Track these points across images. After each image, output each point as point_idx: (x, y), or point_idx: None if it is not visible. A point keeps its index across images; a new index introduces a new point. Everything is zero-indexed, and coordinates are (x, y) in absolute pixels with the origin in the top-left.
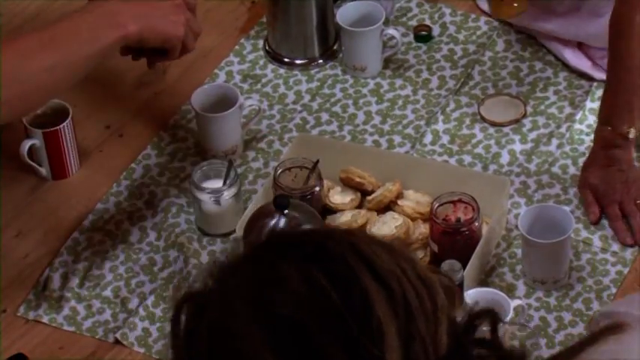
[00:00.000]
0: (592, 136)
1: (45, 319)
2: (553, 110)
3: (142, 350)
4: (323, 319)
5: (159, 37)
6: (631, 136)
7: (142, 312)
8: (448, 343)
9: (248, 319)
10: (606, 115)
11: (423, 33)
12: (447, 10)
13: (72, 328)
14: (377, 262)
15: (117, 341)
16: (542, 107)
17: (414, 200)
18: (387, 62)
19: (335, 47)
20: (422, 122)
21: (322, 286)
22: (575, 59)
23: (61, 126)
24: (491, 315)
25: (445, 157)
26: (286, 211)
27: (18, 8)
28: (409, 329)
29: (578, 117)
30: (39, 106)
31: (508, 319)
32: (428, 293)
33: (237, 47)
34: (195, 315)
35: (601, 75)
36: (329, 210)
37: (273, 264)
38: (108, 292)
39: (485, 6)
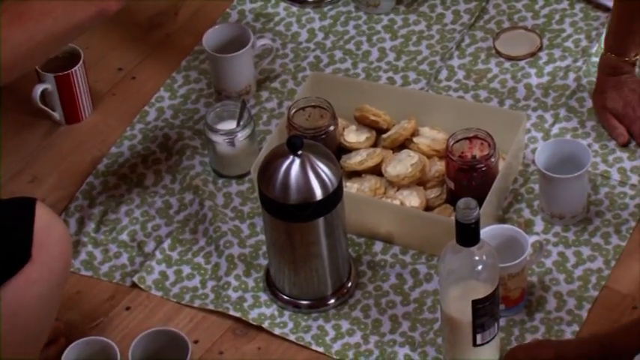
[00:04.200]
0: None
1: None
2: (569, 43)
3: (159, 294)
4: None
5: None
6: (639, 63)
7: (158, 255)
8: None
9: None
10: (613, 44)
11: None
12: None
13: (89, 273)
14: None
15: (134, 285)
16: (559, 40)
17: (430, 137)
18: None
19: None
20: (437, 58)
21: None
22: None
23: (73, 69)
24: None
25: (461, 93)
26: (300, 152)
27: None
28: None
29: (594, 49)
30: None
31: (526, 255)
32: None
33: None
34: None
35: None
36: (344, 149)
37: None
38: (124, 236)
39: None
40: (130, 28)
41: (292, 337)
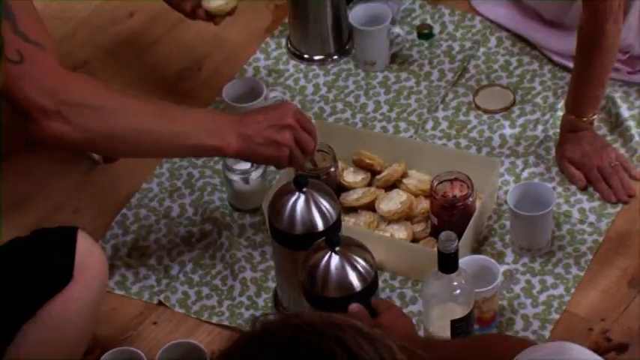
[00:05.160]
0: None
1: None
2: (538, 100)
3: (182, 311)
4: None
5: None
6: (595, 122)
7: (182, 277)
8: None
9: None
10: (573, 106)
11: (425, 31)
12: (446, 11)
13: (122, 292)
14: (361, 354)
15: (160, 303)
16: (529, 96)
17: (417, 179)
18: (393, 57)
19: (348, 45)
20: (424, 110)
21: None
22: (557, 57)
23: None
24: None
25: (444, 141)
26: (305, 190)
27: None
28: None
29: (560, 105)
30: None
31: (498, 282)
32: None
33: (263, 45)
34: None
35: None
36: (343, 188)
37: None
38: (152, 261)
39: (480, 7)
40: (160, 81)
41: None
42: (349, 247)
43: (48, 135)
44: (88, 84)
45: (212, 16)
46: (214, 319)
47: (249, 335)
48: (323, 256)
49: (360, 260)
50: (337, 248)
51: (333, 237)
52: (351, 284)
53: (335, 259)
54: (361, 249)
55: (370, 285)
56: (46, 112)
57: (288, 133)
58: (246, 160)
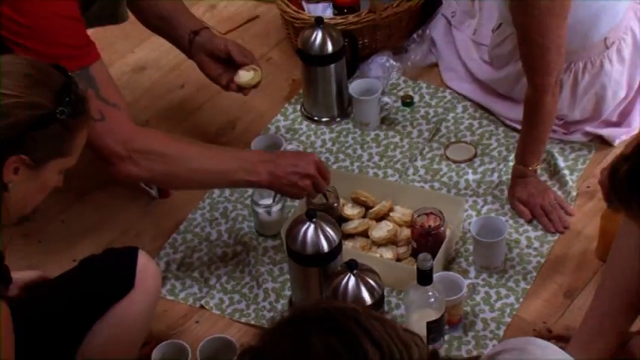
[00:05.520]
0: None
1: None
2: (495, 153)
3: (218, 312)
4: None
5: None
6: (538, 171)
7: (218, 287)
8: None
9: None
10: (521, 158)
11: (408, 100)
12: (424, 85)
13: (172, 298)
14: (373, 331)
15: (202, 306)
16: (488, 150)
17: (401, 213)
18: (383, 120)
19: (348, 110)
20: (406, 160)
21: (337, 350)
22: (509, 121)
23: None
24: None
25: (422, 184)
26: (314, 220)
27: None
28: None
29: (511, 157)
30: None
31: (463, 293)
32: (406, 351)
33: (282, 110)
34: None
35: None
36: (343, 219)
37: (302, 336)
38: (196, 274)
39: (450, 83)
40: (203, 136)
41: None
42: (363, 271)
43: (122, 175)
44: (155, 135)
45: (242, 88)
46: (243, 320)
47: (288, 315)
48: (343, 277)
49: (371, 281)
50: (355, 271)
51: (352, 263)
52: (363, 299)
53: (352, 280)
54: (372, 273)
55: (378, 300)
56: (121, 158)
57: (308, 180)
58: (272, 191)
